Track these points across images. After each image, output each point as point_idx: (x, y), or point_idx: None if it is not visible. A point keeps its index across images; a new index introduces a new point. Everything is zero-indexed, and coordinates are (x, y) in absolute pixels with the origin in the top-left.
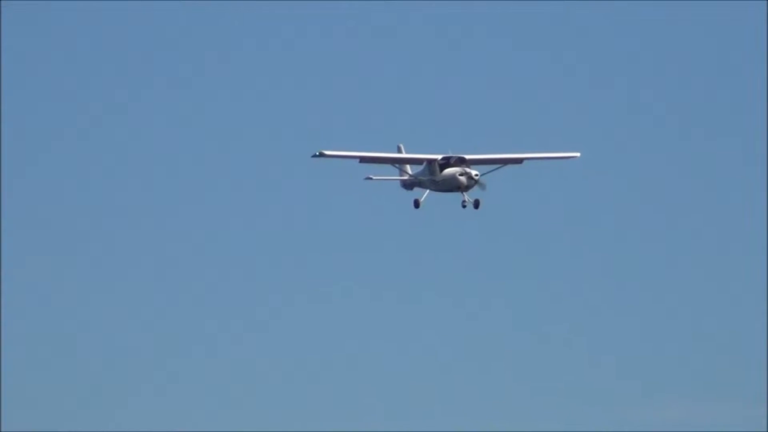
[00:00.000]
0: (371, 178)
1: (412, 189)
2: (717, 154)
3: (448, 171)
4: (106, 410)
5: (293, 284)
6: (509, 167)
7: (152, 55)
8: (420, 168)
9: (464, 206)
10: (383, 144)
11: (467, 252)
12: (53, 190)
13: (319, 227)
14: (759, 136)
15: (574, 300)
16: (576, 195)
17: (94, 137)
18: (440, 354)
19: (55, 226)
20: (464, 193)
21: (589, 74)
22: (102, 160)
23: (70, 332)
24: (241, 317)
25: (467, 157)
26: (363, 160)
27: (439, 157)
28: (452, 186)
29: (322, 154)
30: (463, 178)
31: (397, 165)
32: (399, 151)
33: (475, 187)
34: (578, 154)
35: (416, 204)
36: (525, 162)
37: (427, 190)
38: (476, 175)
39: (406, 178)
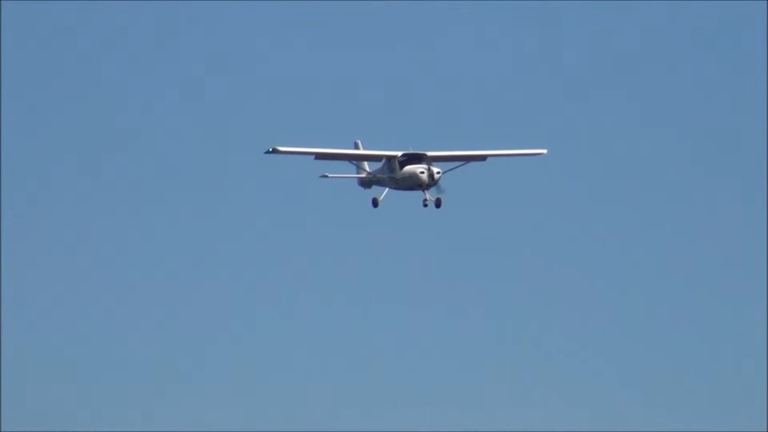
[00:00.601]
0: (327, 176)
1: (370, 187)
2: (697, 148)
3: (409, 168)
4: (106, 410)
5: (242, 288)
6: (472, 164)
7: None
8: (379, 165)
9: (425, 205)
10: (340, 140)
11: (428, 254)
12: (53, 189)
13: (272, 227)
14: (750, 133)
15: (540, 302)
16: (543, 193)
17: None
18: (395, 362)
19: (53, 226)
20: (425, 191)
21: (556, 67)
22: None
23: (70, 332)
24: (182, 322)
25: (428, 153)
26: (319, 156)
27: (399, 153)
28: (413, 184)
29: (275, 150)
30: (424, 176)
31: (354, 162)
32: (356, 147)
33: (434, 190)
34: (545, 151)
35: (375, 203)
36: (489, 159)
37: (387, 189)
38: (438, 172)
39: (363, 175)
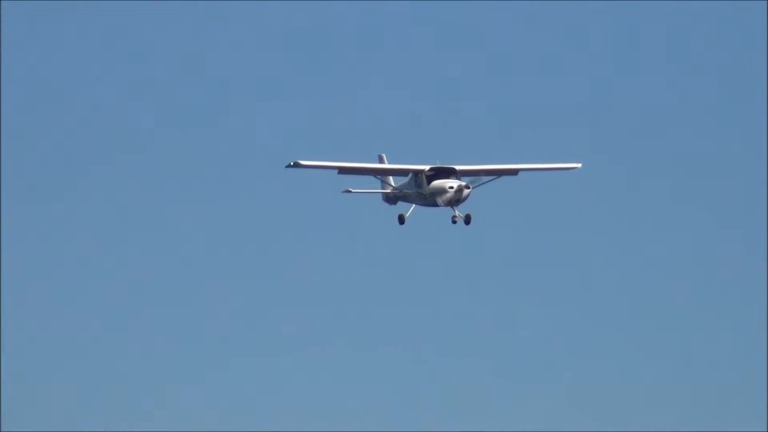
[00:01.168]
0: (350, 191)
1: (395, 203)
2: (724, 163)
3: (437, 183)
4: (106, 410)
5: (266, 306)
6: (503, 179)
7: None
8: (405, 180)
9: (454, 222)
10: (363, 154)
11: (457, 272)
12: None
13: (293, 244)
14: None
15: (573, 320)
16: (577, 209)
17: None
18: (428, 384)
19: (54, 227)
20: (454, 207)
21: (591, 79)
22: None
23: (70, 332)
24: (210, 338)
25: (457, 168)
26: (342, 170)
27: (427, 168)
28: (441, 200)
29: (297, 164)
30: (453, 192)
31: (379, 177)
32: (381, 161)
33: (466, 202)
34: (579, 165)
35: (401, 220)
36: (520, 173)
37: (413, 205)
38: (467, 187)
39: (389, 191)
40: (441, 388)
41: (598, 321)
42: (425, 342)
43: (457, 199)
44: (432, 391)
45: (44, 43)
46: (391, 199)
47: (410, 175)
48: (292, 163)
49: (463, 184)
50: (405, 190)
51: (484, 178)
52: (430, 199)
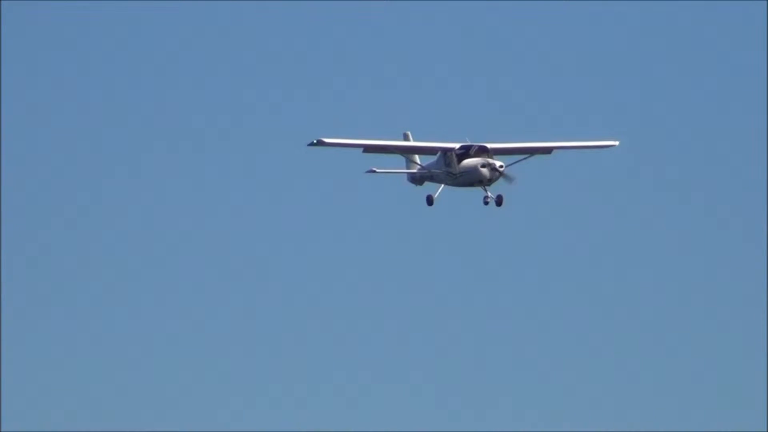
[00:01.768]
0: (375, 171)
1: (422, 183)
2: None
3: (468, 162)
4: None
5: (287, 287)
6: (536, 158)
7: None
8: (433, 159)
9: (486, 203)
10: (386, 131)
11: (488, 256)
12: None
13: (317, 226)
14: None
15: (608, 305)
16: (614, 190)
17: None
18: (460, 366)
19: (54, 227)
20: (486, 188)
21: (628, 50)
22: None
23: (70, 332)
24: (232, 316)
25: (489, 146)
26: (367, 149)
27: (457, 146)
28: (473, 180)
29: (320, 142)
30: (485, 171)
31: (405, 156)
32: (406, 139)
33: (500, 181)
34: (617, 143)
35: (429, 201)
36: (554, 152)
37: (442, 185)
38: (501, 166)
39: (415, 171)
40: (471, 376)
41: (636, 308)
42: (454, 329)
43: (491, 179)
44: (460, 379)
45: (44, 43)
46: (417, 179)
47: (439, 153)
48: (315, 141)
49: (497, 163)
50: (433, 170)
51: (517, 157)
52: (460, 179)
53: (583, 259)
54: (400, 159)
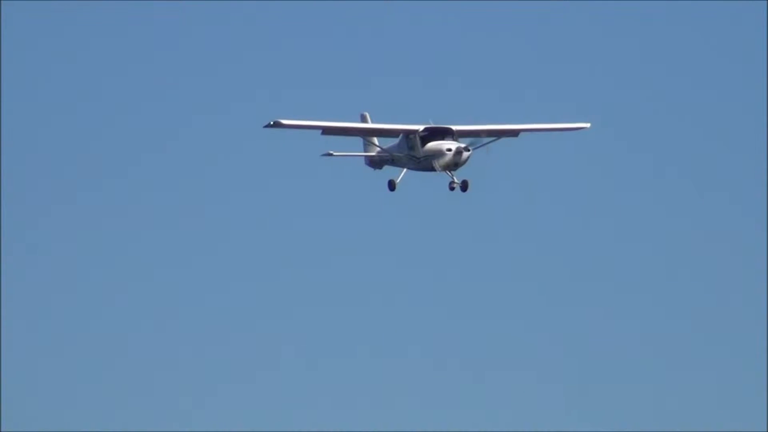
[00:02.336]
0: (332, 154)
1: (381, 167)
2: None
3: (433, 145)
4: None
5: (236, 284)
6: (503, 141)
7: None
8: (394, 142)
9: (452, 188)
10: (341, 113)
11: (454, 244)
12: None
13: (272, 213)
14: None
15: (578, 296)
16: (585, 174)
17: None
18: (421, 359)
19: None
20: (452, 172)
21: (598, 27)
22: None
23: (70, 333)
24: (179, 310)
25: (454, 128)
26: (326, 131)
27: (421, 128)
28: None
29: (277, 124)
30: (451, 154)
31: (365, 138)
32: (364, 120)
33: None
34: (588, 125)
35: (391, 186)
36: (521, 134)
37: (404, 169)
38: (467, 149)
39: (374, 154)
40: (435, 373)
41: (603, 299)
42: (419, 323)
43: (455, 163)
44: (424, 378)
45: (44, 43)
46: (376, 162)
47: (401, 136)
48: (271, 123)
49: (462, 146)
50: (395, 153)
51: (483, 140)
52: (424, 163)
53: (554, 247)
54: (358, 142)
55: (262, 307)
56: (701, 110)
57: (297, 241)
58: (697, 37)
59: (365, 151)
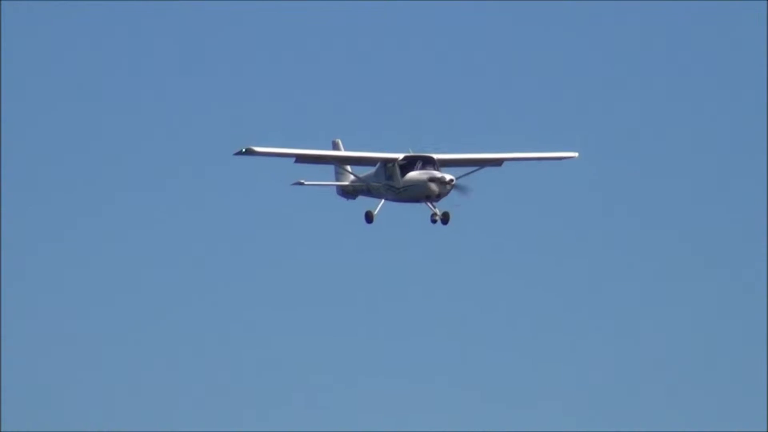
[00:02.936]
0: (303, 183)
1: (355, 197)
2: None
3: (414, 175)
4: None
5: (208, 304)
6: (486, 170)
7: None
8: (371, 171)
9: (434, 221)
10: (312, 140)
11: (434, 279)
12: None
13: (243, 246)
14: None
15: (565, 331)
16: (571, 206)
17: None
18: (394, 397)
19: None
20: (434, 204)
21: (585, 57)
22: None
23: (70, 333)
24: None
25: (435, 156)
26: (300, 159)
27: (400, 156)
28: (419, 194)
29: (249, 151)
30: (434, 185)
31: (339, 166)
32: (336, 147)
33: (453, 194)
34: (576, 155)
35: (369, 218)
36: (505, 164)
37: (382, 200)
38: (451, 180)
39: (347, 183)
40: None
41: (591, 332)
42: (400, 360)
43: (438, 194)
44: (398, 417)
45: (44, 43)
46: (350, 192)
47: (378, 164)
48: (243, 150)
49: (447, 176)
50: (371, 183)
51: (465, 170)
52: (403, 194)
53: (537, 279)
54: (329, 170)
55: (226, 342)
56: (693, 141)
57: (271, 274)
58: (688, 65)
59: (337, 180)
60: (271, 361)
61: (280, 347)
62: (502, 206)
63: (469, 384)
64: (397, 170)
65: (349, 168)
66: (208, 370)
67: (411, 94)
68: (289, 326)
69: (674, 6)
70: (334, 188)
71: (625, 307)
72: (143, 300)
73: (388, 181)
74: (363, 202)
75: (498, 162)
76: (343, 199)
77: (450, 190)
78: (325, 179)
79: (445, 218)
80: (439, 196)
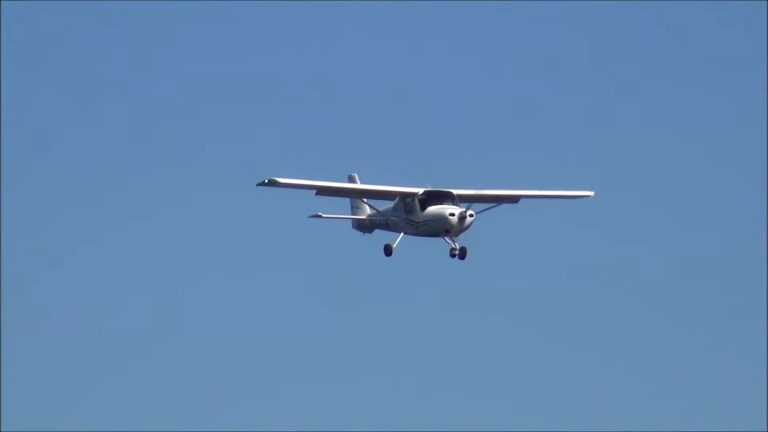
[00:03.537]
0: (320, 216)
1: (371, 231)
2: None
3: (434, 209)
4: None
5: (220, 337)
6: (503, 207)
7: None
8: (389, 205)
9: (453, 255)
10: (329, 173)
11: (452, 313)
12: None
13: (263, 279)
14: None
15: (582, 369)
16: (587, 244)
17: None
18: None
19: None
20: (453, 239)
21: (604, 96)
22: None
23: (70, 333)
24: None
25: (455, 192)
26: (321, 191)
27: (420, 191)
28: (438, 229)
29: (272, 182)
30: (455, 219)
31: (355, 200)
32: (352, 181)
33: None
34: (592, 193)
35: (387, 251)
36: (522, 200)
37: (401, 234)
38: (471, 215)
39: (364, 217)
40: None
41: (606, 372)
42: (418, 389)
43: (458, 229)
44: None
45: (44, 43)
46: (366, 226)
47: (397, 199)
48: (266, 181)
49: (467, 211)
50: (391, 217)
51: (482, 206)
52: (422, 228)
53: (553, 316)
54: (345, 204)
55: (240, 373)
56: (709, 181)
57: (291, 306)
58: (703, 109)
59: (353, 214)
60: (284, 393)
61: (294, 377)
62: (518, 242)
63: (483, 418)
64: (417, 204)
65: (365, 202)
66: (218, 403)
67: (428, 129)
68: (306, 355)
69: (693, 50)
70: (350, 222)
71: (639, 345)
72: (158, 324)
73: (408, 215)
74: (380, 236)
75: (515, 199)
76: (359, 233)
77: (469, 226)
78: (341, 213)
79: (463, 253)
80: (458, 232)
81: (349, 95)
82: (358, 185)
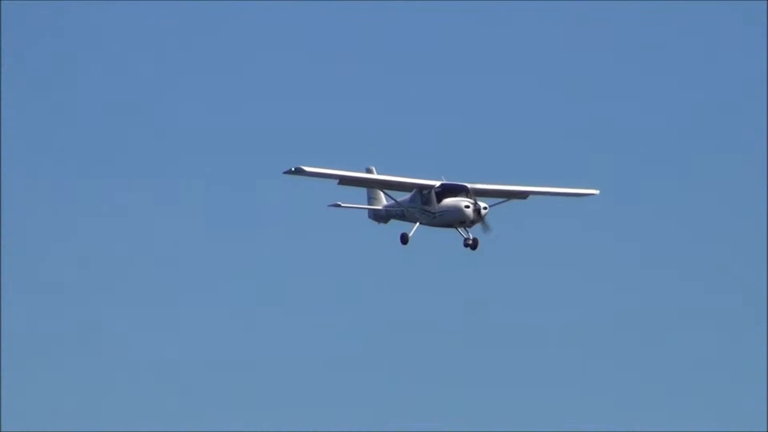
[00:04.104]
0: (340, 205)
1: (387, 221)
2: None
3: (450, 201)
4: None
5: (241, 323)
6: (512, 203)
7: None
8: (405, 196)
9: (467, 245)
10: (346, 164)
11: (463, 303)
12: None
13: (283, 265)
14: None
15: (584, 360)
16: (592, 241)
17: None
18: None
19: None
20: (467, 230)
21: (613, 96)
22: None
23: (70, 333)
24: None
25: (469, 185)
26: (343, 181)
27: (437, 183)
28: (453, 220)
29: (299, 171)
30: (469, 211)
31: (371, 191)
32: (369, 173)
33: (479, 227)
34: (597, 192)
35: (404, 239)
36: (530, 197)
37: (417, 224)
38: (485, 208)
39: (381, 207)
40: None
41: (611, 365)
42: (428, 379)
43: (473, 221)
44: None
45: (44, 43)
46: (382, 216)
47: (414, 190)
48: (293, 169)
49: (481, 204)
50: (408, 208)
51: (492, 200)
52: (438, 219)
53: (558, 309)
54: (362, 194)
55: (255, 362)
56: (714, 179)
57: (308, 293)
58: (708, 110)
59: (370, 204)
60: (299, 381)
61: (308, 364)
62: (526, 237)
63: (493, 411)
64: (434, 196)
65: (382, 194)
66: (234, 388)
67: (440, 127)
68: (320, 344)
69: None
70: (366, 212)
71: (643, 341)
72: (176, 312)
73: (424, 206)
74: (394, 226)
75: (524, 195)
76: (374, 223)
77: (483, 218)
78: (359, 203)
79: (475, 244)
80: (472, 223)
81: (364, 94)
82: (378, 176)
